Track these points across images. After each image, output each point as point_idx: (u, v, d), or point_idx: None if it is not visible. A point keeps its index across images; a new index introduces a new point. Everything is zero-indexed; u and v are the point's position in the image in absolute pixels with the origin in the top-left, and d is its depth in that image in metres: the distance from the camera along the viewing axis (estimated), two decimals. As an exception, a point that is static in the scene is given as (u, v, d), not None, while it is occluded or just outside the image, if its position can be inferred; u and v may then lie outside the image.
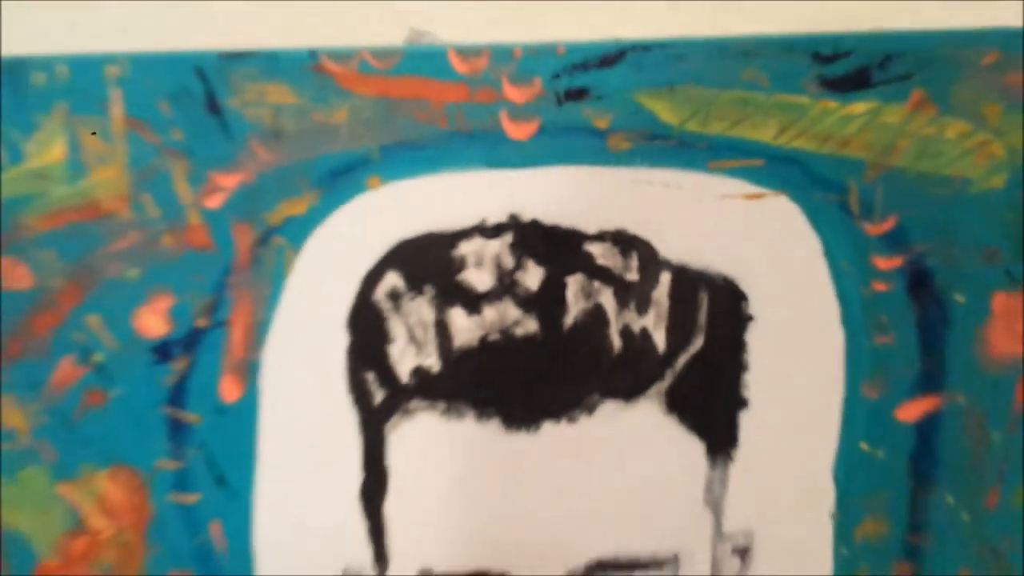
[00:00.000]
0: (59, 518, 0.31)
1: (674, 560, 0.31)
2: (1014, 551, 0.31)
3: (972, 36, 0.27)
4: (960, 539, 0.30)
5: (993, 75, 0.27)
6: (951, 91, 0.27)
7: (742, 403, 0.30)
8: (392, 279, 0.29)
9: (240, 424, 0.31)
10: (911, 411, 0.29)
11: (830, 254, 0.29)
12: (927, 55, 0.27)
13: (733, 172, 0.28)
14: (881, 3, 0.29)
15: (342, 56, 0.28)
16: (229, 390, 0.30)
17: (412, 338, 0.30)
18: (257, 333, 0.30)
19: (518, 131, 0.28)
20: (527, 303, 0.29)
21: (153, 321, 0.30)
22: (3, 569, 0.32)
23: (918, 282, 0.28)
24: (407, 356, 0.30)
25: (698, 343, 0.29)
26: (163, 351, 0.30)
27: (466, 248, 0.29)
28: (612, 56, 0.28)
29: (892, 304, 0.29)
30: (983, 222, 0.28)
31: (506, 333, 0.29)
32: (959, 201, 0.28)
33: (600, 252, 0.29)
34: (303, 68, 0.28)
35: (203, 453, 0.31)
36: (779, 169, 0.28)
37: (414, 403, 0.30)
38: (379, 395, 0.30)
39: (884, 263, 0.28)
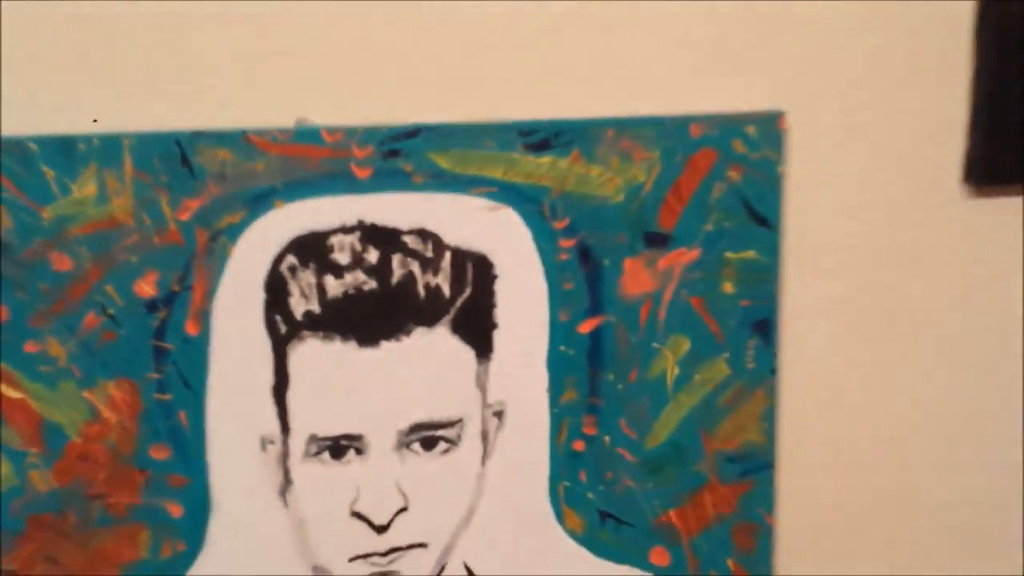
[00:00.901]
0: (82, 413, 0.51)
1: (460, 421, 0.53)
2: (650, 407, 0.54)
3: (601, 121, 0.51)
4: (617, 400, 0.54)
5: (613, 142, 0.51)
6: (593, 150, 0.51)
7: (494, 326, 0.53)
8: (290, 259, 0.51)
9: (199, 349, 0.51)
10: (586, 326, 0.53)
11: (536, 240, 0.52)
12: (580, 131, 0.51)
13: (482, 195, 0.51)
14: (556, 98, 0.52)
15: (259, 132, 0.49)
16: (192, 328, 0.51)
17: (302, 294, 0.51)
18: (209, 293, 0.51)
19: (361, 173, 0.50)
20: (369, 271, 0.51)
21: (146, 287, 0.50)
22: (42, 448, 0.51)
23: (583, 253, 0.52)
24: (300, 304, 0.51)
25: (467, 291, 0.52)
26: (152, 305, 0.50)
27: (333, 240, 0.51)
28: (413, 132, 0.50)
29: (570, 266, 0.52)
30: (617, 219, 0.52)
31: (358, 288, 0.51)
32: (602, 208, 0.52)
33: (411, 241, 0.51)
34: (238, 140, 0.49)
35: (175, 368, 0.51)
36: (506, 194, 0.51)
37: (304, 332, 0.51)
38: (283, 328, 0.51)
39: (564, 243, 0.52)
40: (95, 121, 0.49)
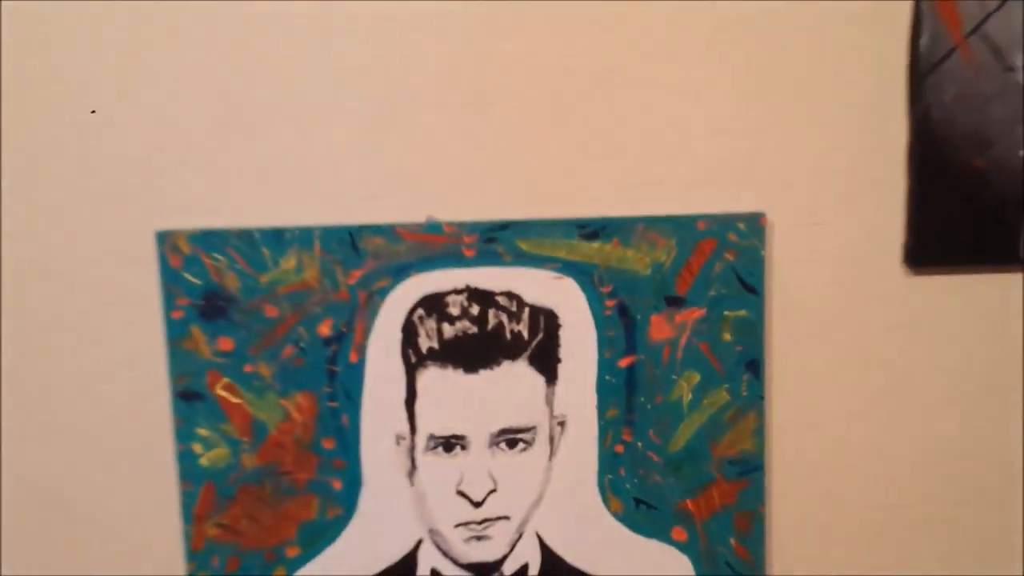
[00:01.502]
0: (279, 414, 0.75)
1: (534, 428, 0.75)
2: (670, 422, 0.75)
3: (634, 219, 0.74)
4: (647, 416, 0.75)
5: (643, 233, 0.74)
6: (629, 239, 0.74)
7: (558, 360, 0.75)
8: (419, 311, 0.74)
9: (357, 372, 0.75)
10: (624, 362, 0.75)
11: (588, 300, 0.74)
12: (619, 225, 0.74)
13: (551, 269, 0.74)
14: (603, 201, 0.75)
15: (402, 226, 0.74)
16: (353, 357, 0.75)
17: (427, 335, 0.75)
18: (365, 334, 0.75)
19: (468, 253, 0.74)
20: (472, 320, 0.74)
21: (324, 329, 0.75)
22: (250, 438, 0.76)
23: (622, 310, 0.74)
24: (425, 343, 0.75)
25: (540, 336, 0.75)
26: (327, 341, 0.75)
27: (448, 299, 0.74)
28: (504, 226, 0.74)
29: (613, 320, 0.74)
30: (645, 286, 0.74)
31: (464, 332, 0.74)
32: (635, 279, 0.74)
33: (501, 299, 0.74)
34: (389, 231, 0.74)
35: (341, 385, 0.75)
36: (567, 268, 0.74)
37: (428, 362, 0.75)
38: (413, 359, 0.75)
39: (608, 303, 0.74)
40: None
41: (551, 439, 0.76)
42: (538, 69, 0.72)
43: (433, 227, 0.74)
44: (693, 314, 0.74)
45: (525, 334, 0.74)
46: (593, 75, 0.72)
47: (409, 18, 0.71)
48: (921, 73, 0.71)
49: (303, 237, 0.73)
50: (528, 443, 0.75)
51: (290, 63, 0.71)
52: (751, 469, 0.76)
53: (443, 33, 0.71)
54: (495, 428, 0.75)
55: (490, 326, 0.74)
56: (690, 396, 0.75)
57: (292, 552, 0.76)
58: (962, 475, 0.77)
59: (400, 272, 0.74)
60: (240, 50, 0.71)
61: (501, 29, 0.71)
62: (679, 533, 0.76)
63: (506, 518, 0.76)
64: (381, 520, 0.76)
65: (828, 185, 0.73)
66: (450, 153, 0.73)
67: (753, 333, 0.74)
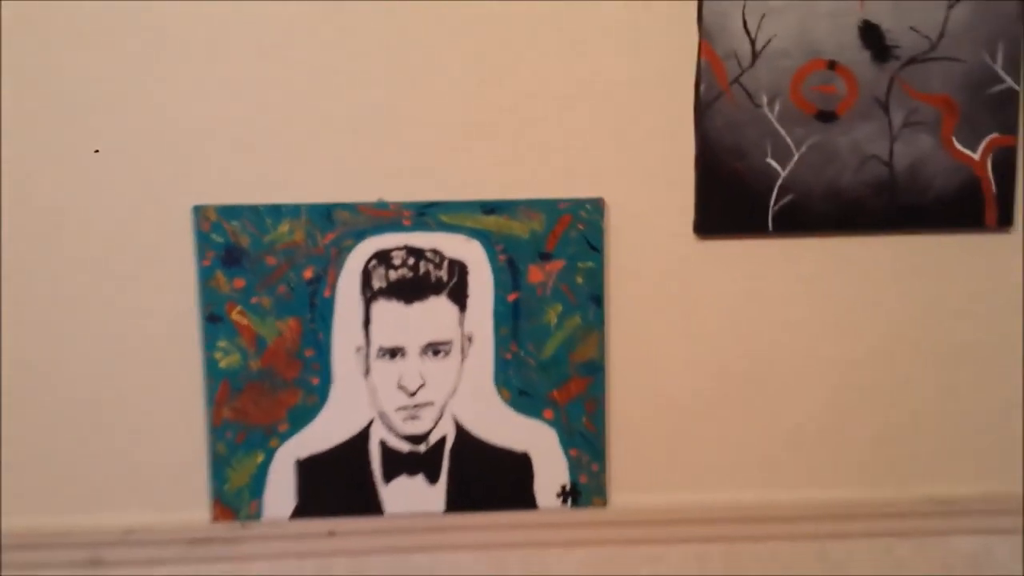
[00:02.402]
0: (275, 332, 1.09)
1: (450, 341, 1.11)
2: (543, 339, 1.12)
3: (519, 201, 1.11)
4: (527, 334, 1.12)
5: (525, 210, 1.11)
6: (515, 214, 1.11)
7: (467, 296, 1.11)
8: (373, 261, 1.09)
9: (330, 304, 1.10)
10: (511, 297, 1.12)
11: (487, 255, 1.11)
12: (509, 205, 1.10)
13: (463, 235, 1.11)
14: (498, 186, 1.12)
15: (361, 204, 1.10)
16: (327, 293, 1.10)
17: (378, 278, 1.10)
18: (335, 277, 1.10)
19: (406, 223, 1.10)
20: (408, 268, 1.10)
21: (308, 274, 1.10)
22: (255, 348, 1.10)
23: (510, 262, 1.11)
24: (376, 283, 1.10)
25: (455, 279, 1.11)
26: (310, 282, 1.10)
27: (392, 254, 1.09)
28: (430, 204, 1.10)
29: (504, 268, 1.11)
30: (526, 246, 1.11)
31: (403, 277, 1.10)
32: (519, 241, 1.11)
33: (428, 254, 1.10)
34: (354, 208, 1.09)
35: (319, 312, 1.10)
36: (474, 234, 1.10)
37: (379, 296, 1.10)
38: (368, 294, 1.10)
39: (501, 258, 1.11)
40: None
41: (462, 350, 1.12)
42: (458, 95, 1.08)
43: (382, 205, 1.10)
44: (557, 265, 1.11)
45: (445, 278, 1.10)
46: (500, 103, 1.09)
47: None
48: (702, 107, 1.10)
49: (294, 210, 1.08)
50: (446, 352, 1.12)
51: (290, 76, 1.07)
52: (595, 370, 1.13)
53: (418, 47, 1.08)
54: (424, 341, 1.11)
55: (421, 272, 1.10)
56: (555, 320, 1.12)
57: (283, 428, 1.11)
58: (745, 361, 1.16)
59: (360, 235, 1.09)
60: (255, 65, 1.06)
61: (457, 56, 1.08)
62: (548, 414, 1.13)
63: (431, 404, 1.12)
64: (345, 406, 1.11)
65: (645, 179, 1.12)
66: (394, 153, 1.09)
67: (596, 278, 1.12)
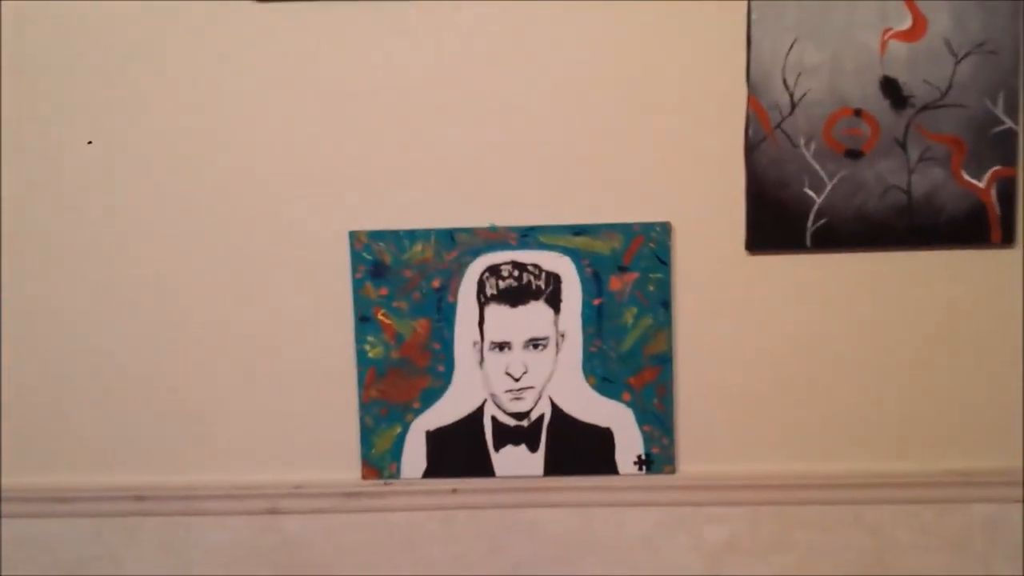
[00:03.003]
0: (410, 330, 1.39)
1: (547, 337, 1.40)
2: (622, 335, 1.40)
3: (600, 225, 1.39)
4: (608, 332, 1.40)
5: (606, 232, 1.39)
6: (598, 235, 1.39)
7: (560, 301, 1.40)
8: (486, 273, 1.39)
9: (454, 307, 1.40)
10: (596, 302, 1.40)
11: (576, 268, 1.39)
12: (593, 229, 1.39)
13: (557, 252, 1.39)
14: (586, 212, 1.40)
15: (477, 227, 1.39)
16: (451, 298, 1.40)
17: (490, 286, 1.39)
18: (457, 285, 1.40)
19: (512, 242, 1.39)
20: (514, 279, 1.39)
21: (436, 283, 1.40)
22: (395, 342, 1.41)
23: (595, 273, 1.39)
24: (488, 290, 1.39)
25: (551, 287, 1.39)
26: (438, 290, 1.40)
27: (501, 267, 1.39)
28: (531, 228, 1.39)
29: (590, 279, 1.39)
30: (607, 260, 1.39)
31: (509, 285, 1.39)
32: (602, 257, 1.39)
33: (530, 267, 1.39)
34: (471, 231, 1.39)
35: (444, 314, 1.40)
36: (566, 252, 1.39)
37: (490, 301, 1.39)
38: (482, 299, 1.39)
39: (587, 270, 1.39)
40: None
41: (557, 344, 1.40)
42: (558, 140, 1.37)
43: (493, 228, 1.39)
44: (632, 276, 1.39)
45: (543, 286, 1.39)
46: (589, 147, 1.37)
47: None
48: (750, 148, 1.36)
49: (425, 234, 1.39)
50: (544, 346, 1.40)
51: (421, 126, 1.38)
52: (664, 361, 1.40)
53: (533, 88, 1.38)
54: (526, 337, 1.40)
55: (524, 282, 1.39)
56: (631, 321, 1.40)
57: (416, 405, 1.41)
58: (814, 360, 1.41)
59: (476, 253, 1.39)
60: (394, 116, 1.38)
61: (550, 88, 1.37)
62: (626, 396, 1.41)
63: (532, 387, 1.41)
64: (464, 389, 1.41)
65: (705, 207, 1.38)
66: (502, 187, 1.39)
67: (664, 286, 1.39)
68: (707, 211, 1.38)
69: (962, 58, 1.32)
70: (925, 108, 1.33)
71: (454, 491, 1.42)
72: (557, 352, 1.40)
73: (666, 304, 1.39)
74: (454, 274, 1.38)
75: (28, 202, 1.40)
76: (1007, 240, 1.35)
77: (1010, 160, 1.33)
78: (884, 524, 1.40)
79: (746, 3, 1.33)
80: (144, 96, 1.38)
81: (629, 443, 1.41)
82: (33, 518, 1.44)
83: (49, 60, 1.37)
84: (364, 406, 1.41)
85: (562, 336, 1.40)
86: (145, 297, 1.41)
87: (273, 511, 1.43)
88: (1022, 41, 1.32)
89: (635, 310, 1.39)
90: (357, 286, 1.39)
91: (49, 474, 1.44)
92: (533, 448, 1.41)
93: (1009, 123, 1.33)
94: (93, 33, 1.37)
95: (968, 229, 1.35)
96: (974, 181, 1.34)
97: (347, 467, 1.43)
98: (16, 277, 1.42)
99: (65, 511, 1.43)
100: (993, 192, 1.34)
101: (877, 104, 1.34)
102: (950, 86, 1.33)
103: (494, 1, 1.35)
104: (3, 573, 1.43)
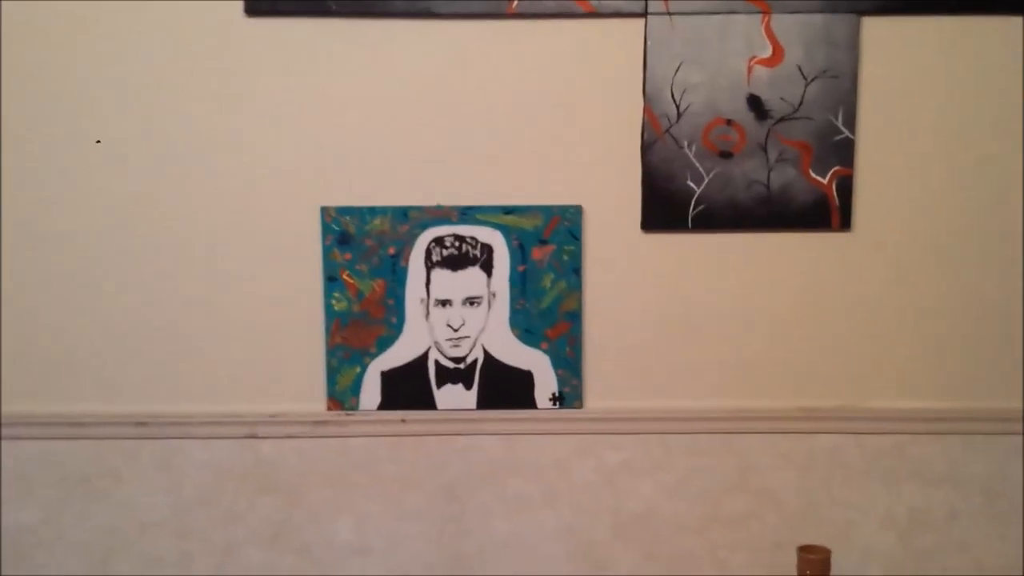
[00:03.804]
0: (369, 288, 1.73)
1: (482, 296, 1.73)
2: (540, 296, 1.73)
3: (526, 207, 1.72)
4: (530, 293, 1.73)
5: (532, 213, 1.72)
6: (524, 215, 1.72)
7: (492, 267, 1.73)
8: (431, 243, 1.71)
9: (405, 270, 1.72)
10: (520, 268, 1.73)
11: (505, 241, 1.73)
12: (522, 209, 1.72)
13: (490, 228, 1.72)
14: (516, 194, 1.73)
15: (426, 207, 1.72)
16: (403, 263, 1.72)
17: (436, 254, 1.72)
18: (409, 253, 1.72)
19: (454, 219, 1.72)
20: (455, 248, 1.71)
21: (391, 251, 1.72)
22: (356, 297, 1.73)
23: (520, 246, 1.72)
24: (434, 257, 1.71)
25: (485, 256, 1.72)
26: (393, 256, 1.72)
27: (445, 239, 1.71)
28: (471, 207, 1.72)
29: (517, 250, 1.73)
30: (531, 235, 1.72)
31: (451, 254, 1.72)
32: (527, 232, 1.72)
33: (468, 239, 1.72)
34: (422, 210, 1.72)
35: (397, 276, 1.72)
36: (498, 227, 1.72)
37: (436, 266, 1.72)
38: (428, 265, 1.72)
39: (514, 242, 1.72)
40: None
41: (489, 302, 1.73)
42: (495, 140, 1.70)
43: (439, 207, 1.72)
44: (551, 248, 1.72)
45: (478, 255, 1.72)
46: (520, 144, 1.71)
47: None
48: (645, 147, 1.71)
49: (383, 210, 1.71)
50: (479, 303, 1.73)
51: (381, 122, 1.70)
52: (575, 317, 1.74)
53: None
54: (464, 296, 1.73)
55: (463, 251, 1.72)
56: (549, 284, 1.73)
57: (372, 350, 1.73)
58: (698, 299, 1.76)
59: (424, 226, 1.71)
60: (358, 108, 1.70)
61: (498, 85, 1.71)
62: (544, 345, 1.74)
63: (468, 337, 1.73)
64: (412, 337, 1.73)
65: (609, 194, 1.72)
66: (446, 174, 1.72)
67: (576, 257, 1.73)
68: (611, 197, 1.72)
69: (811, 81, 1.69)
70: (782, 120, 1.69)
71: (403, 421, 1.74)
72: (489, 308, 1.73)
73: (577, 271, 1.72)
74: (406, 243, 1.71)
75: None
76: (844, 225, 1.72)
77: (848, 162, 1.70)
78: (748, 450, 1.76)
79: (643, 34, 1.67)
80: (140, 90, 1.67)
81: (546, 383, 1.74)
82: (48, 440, 1.72)
83: (48, 59, 1.66)
84: (330, 350, 1.72)
85: (493, 295, 1.73)
86: (148, 246, 1.71)
87: (252, 436, 1.73)
88: (859, 69, 1.68)
89: (552, 276, 1.72)
90: (326, 251, 1.70)
91: (63, 403, 1.73)
92: (468, 386, 1.74)
93: (847, 133, 1.70)
94: (92, 33, 1.66)
95: (814, 216, 1.72)
96: (819, 178, 1.70)
97: (315, 400, 1.74)
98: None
99: (78, 434, 1.72)
100: (834, 187, 1.70)
101: (744, 116, 1.69)
102: (801, 102, 1.69)
103: (442, 21, 1.67)
104: (15, 494, 1.71)
